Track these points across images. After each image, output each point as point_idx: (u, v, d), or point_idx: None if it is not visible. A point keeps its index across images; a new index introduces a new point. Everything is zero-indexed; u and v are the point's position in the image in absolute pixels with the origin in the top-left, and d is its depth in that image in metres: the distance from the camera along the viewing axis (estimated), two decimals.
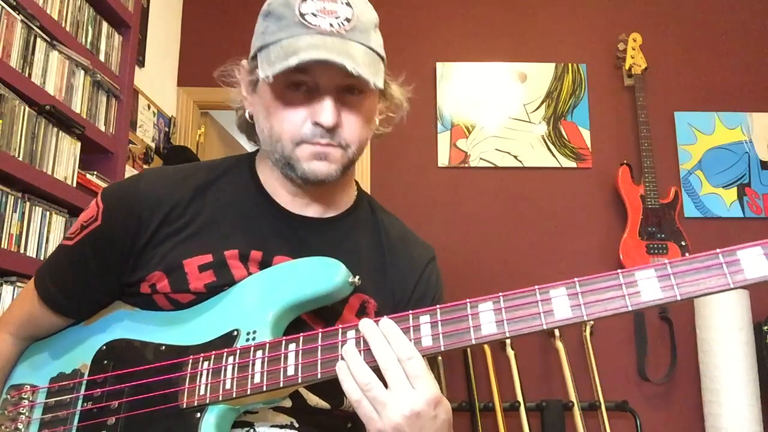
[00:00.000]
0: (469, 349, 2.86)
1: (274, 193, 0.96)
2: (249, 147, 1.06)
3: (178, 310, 0.89)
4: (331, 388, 0.79)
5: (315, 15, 0.85)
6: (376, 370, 0.73)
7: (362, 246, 0.98)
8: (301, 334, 0.79)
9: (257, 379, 0.78)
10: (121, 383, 0.85)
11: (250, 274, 0.89)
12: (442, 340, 0.74)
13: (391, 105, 1.01)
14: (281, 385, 0.77)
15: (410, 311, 0.76)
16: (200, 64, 3.15)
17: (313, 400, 0.89)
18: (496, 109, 3.26)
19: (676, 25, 3.36)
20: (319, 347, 0.77)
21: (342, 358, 0.75)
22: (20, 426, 0.91)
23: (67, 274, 0.94)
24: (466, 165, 3.20)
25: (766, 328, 2.85)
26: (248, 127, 0.99)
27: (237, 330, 0.84)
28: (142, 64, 2.82)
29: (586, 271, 0.73)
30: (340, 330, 0.78)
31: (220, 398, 0.79)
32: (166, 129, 3.05)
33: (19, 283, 1.65)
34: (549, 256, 3.06)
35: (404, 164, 3.20)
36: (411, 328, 0.75)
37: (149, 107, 2.88)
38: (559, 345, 2.82)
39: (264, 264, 0.90)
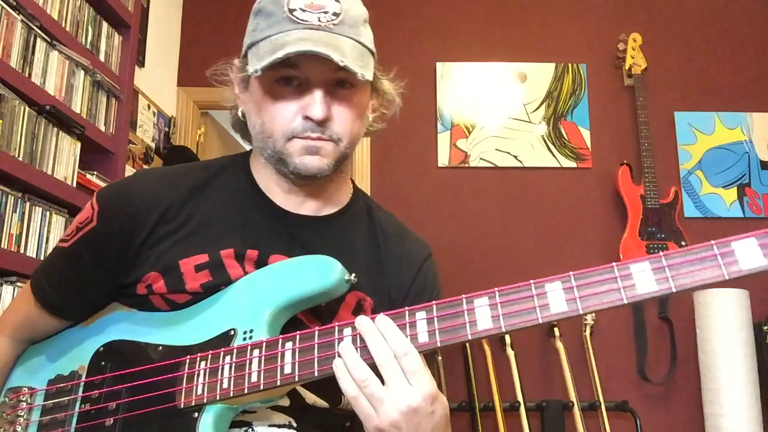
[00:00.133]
0: (469, 349, 2.86)
1: (268, 192, 0.96)
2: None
3: (175, 311, 0.89)
4: (329, 386, 0.79)
5: (303, 10, 0.86)
6: (373, 367, 0.74)
7: (358, 244, 0.98)
8: (298, 332, 0.79)
9: (254, 378, 0.78)
10: (118, 384, 0.85)
11: (246, 273, 0.89)
12: (438, 336, 0.74)
13: (384, 100, 1.01)
14: (278, 383, 0.77)
15: (406, 308, 0.76)
16: (200, 64, 3.14)
17: (311, 398, 0.89)
18: (496, 109, 3.26)
19: (676, 25, 3.36)
20: (316, 345, 0.78)
21: (339, 356, 0.75)
22: (18, 428, 0.91)
23: (64, 276, 0.94)
24: (466, 165, 3.20)
25: (766, 328, 2.84)
26: (242, 126, 0.99)
27: (234, 329, 0.84)
28: (142, 64, 2.82)
29: None
30: (336, 328, 0.78)
31: (218, 398, 0.79)
32: (166, 129, 3.05)
33: (19, 283, 1.65)
34: (549, 256, 3.06)
35: (404, 164, 3.20)
36: (407, 324, 0.75)
37: (149, 107, 2.88)
38: (559, 345, 2.82)
39: (260, 263, 0.90)
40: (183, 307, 0.89)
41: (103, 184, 2.02)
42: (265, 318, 0.83)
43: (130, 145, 2.55)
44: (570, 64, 3.30)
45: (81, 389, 0.88)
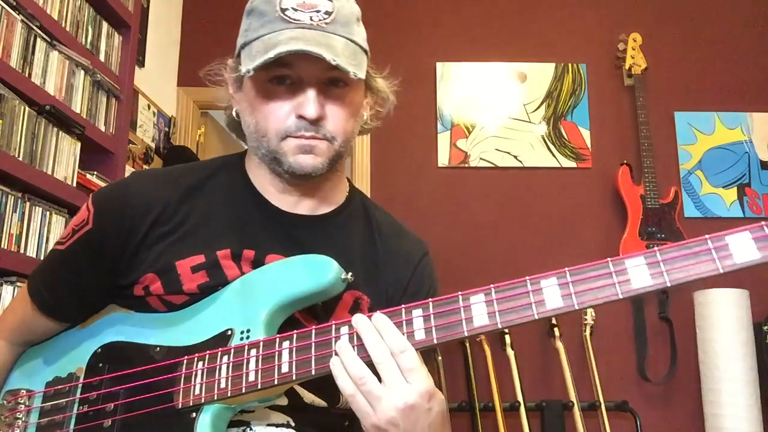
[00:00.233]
0: (469, 349, 2.86)
1: (264, 192, 0.96)
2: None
3: (172, 312, 0.89)
4: (327, 385, 0.79)
5: (295, 10, 0.87)
6: (370, 365, 0.74)
7: (355, 242, 0.98)
8: (295, 331, 0.79)
9: (252, 378, 0.78)
10: (116, 385, 0.86)
11: (242, 273, 0.89)
12: (435, 333, 0.74)
13: (378, 99, 1.01)
14: (276, 382, 0.78)
15: (403, 305, 0.76)
16: (200, 64, 3.14)
17: (309, 397, 0.89)
18: (496, 109, 3.26)
19: (676, 25, 3.36)
20: (313, 344, 0.78)
21: (336, 354, 0.76)
22: (17, 431, 0.91)
23: (60, 279, 0.94)
24: (466, 165, 3.20)
25: (766, 328, 2.85)
26: (237, 126, 0.99)
27: (231, 329, 0.84)
28: (142, 64, 2.82)
29: None
30: (333, 326, 0.78)
31: (216, 397, 0.79)
32: (166, 129, 3.05)
33: (19, 283, 1.65)
34: (549, 256, 3.06)
35: (404, 164, 3.20)
36: (404, 322, 0.75)
37: (149, 107, 2.88)
38: (559, 345, 2.82)
39: (257, 263, 0.90)
40: (180, 308, 0.89)
41: (103, 184, 2.03)
42: (262, 318, 0.83)
43: (130, 145, 2.55)
44: (570, 64, 3.31)
45: (79, 391, 0.89)
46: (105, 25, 2.19)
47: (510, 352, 2.80)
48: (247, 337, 0.82)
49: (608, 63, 3.31)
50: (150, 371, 0.84)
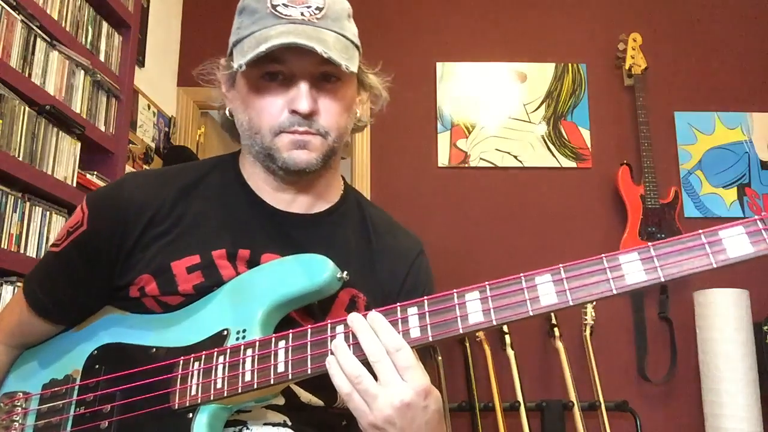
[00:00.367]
0: (469, 349, 2.86)
1: (258, 191, 0.96)
2: None
3: (168, 313, 0.89)
4: (324, 385, 0.79)
5: (286, 6, 0.87)
6: (366, 364, 0.74)
7: (350, 240, 0.98)
8: (291, 330, 0.79)
9: (248, 378, 0.78)
10: (113, 387, 0.85)
11: (238, 273, 0.89)
12: (430, 331, 0.74)
13: (371, 95, 1.01)
14: (272, 382, 0.78)
15: (398, 304, 0.76)
16: (200, 64, 3.15)
17: (306, 396, 0.89)
18: (496, 109, 3.26)
19: (676, 25, 3.36)
20: (309, 343, 0.78)
21: (331, 353, 0.76)
22: None
23: (56, 281, 0.94)
24: (466, 165, 3.20)
25: (766, 328, 2.84)
26: (231, 126, 0.99)
27: (227, 329, 0.84)
28: (142, 64, 2.82)
29: None
30: (329, 325, 0.78)
31: (212, 398, 0.79)
32: (166, 129, 3.05)
33: (18, 283, 1.65)
34: (549, 256, 3.04)
35: (404, 164, 3.20)
36: (399, 320, 0.75)
37: (149, 107, 2.88)
38: (559, 345, 2.82)
39: (252, 262, 0.90)
40: (176, 309, 0.89)
41: (103, 184, 2.03)
42: (258, 317, 0.83)
43: (130, 145, 2.55)
44: (570, 64, 3.31)
45: (76, 393, 0.88)
46: (105, 25, 2.20)
47: (510, 352, 2.80)
48: (243, 337, 0.82)
49: (608, 63, 3.31)
50: (146, 372, 0.84)
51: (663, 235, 2.99)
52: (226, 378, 0.79)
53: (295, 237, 0.94)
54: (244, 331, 0.82)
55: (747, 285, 2.82)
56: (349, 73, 0.89)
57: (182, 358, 0.83)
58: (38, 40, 1.82)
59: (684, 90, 3.29)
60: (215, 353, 0.82)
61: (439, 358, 2.77)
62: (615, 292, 0.69)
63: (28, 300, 0.95)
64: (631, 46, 3.22)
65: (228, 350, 0.81)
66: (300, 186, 0.96)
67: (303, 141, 0.88)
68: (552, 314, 2.87)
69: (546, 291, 0.71)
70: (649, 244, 0.69)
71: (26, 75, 1.76)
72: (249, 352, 0.80)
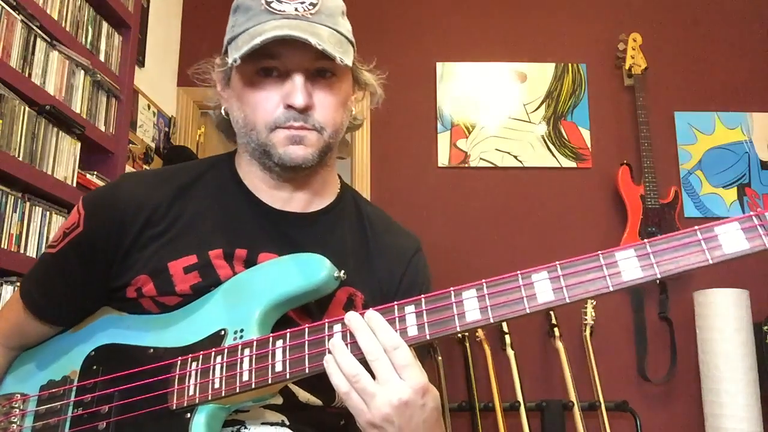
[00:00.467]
0: (469, 349, 2.86)
1: (254, 190, 0.96)
2: None
3: (166, 313, 0.89)
4: (322, 384, 0.79)
5: (280, 2, 0.87)
6: (364, 363, 0.74)
7: (347, 239, 0.98)
8: (288, 330, 0.79)
9: (246, 377, 0.78)
10: (110, 387, 0.85)
11: (235, 273, 0.89)
12: (428, 329, 0.74)
13: (367, 93, 1.01)
14: (270, 381, 0.78)
15: (395, 302, 0.76)
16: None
17: (304, 396, 0.89)
18: (496, 109, 3.26)
19: (676, 25, 3.36)
20: (306, 342, 0.78)
21: (329, 352, 0.76)
22: None
23: (52, 283, 0.94)
24: (466, 165, 3.20)
25: (766, 328, 2.84)
26: (226, 126, 0.99)
27: (224, 329, 0.84)
28: (142, 64, 2.82)
29: None
30: (326, 324, 0.78)
31: (210, 398, 0.79)
32: (166, 129, 3.05)
33: (18, 283, 1.64)
34: (549, 256, 3.01)
35: (404, 164, 3.20)
36: (396, 318, 0.75)
37: (149, 107, 2.88)
38: (559, 345, 2.82)
39: (249, 262, 0.90)
40: (173, 309, 0.89)
41: (103, 184, 2.03)
42: (256, 317, 0.83)
43: (130, 145, 2.55)
44: (570, 64, 3.30)
45: (73, 394, 0.88)
46: (105, 25, 2.20)
47: (510, 352, 2.79)
48: (241, 337, 0.82)
49: (608, 63, 3.31)
50: (144, 373, 0.84)
51: None
52: (223, 378, 0.79)
53: (292, 236, 0.93)
54: (241, 330, 0.82)
55: (747, 285, 2.82)
56: (344, 68, 0.89)
57: (180, 358, 0.83)
58: (38, 40, 1.82)
59: (684, 90, 3.29)
60: (213, 353, 0.81)
61: (439, 358, 2.77)
62: (611, 288, 0.69)
63: (24, 302, 0.95)
64: (631, 46, 3.22)
65: (226, 350, 0.81)
66: (296, 183, 0.95)
67: (299, 136, 0.88)
68: (552, 314, 2.88)
69: (543, 288, 0.71)
70: (645, 240, 0.69)
71: (26, 75, 1.76)
72: (247, 351, 0.80)
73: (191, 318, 0.87)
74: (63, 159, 1.88)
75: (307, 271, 0.84)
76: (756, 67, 3.31)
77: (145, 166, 2.77)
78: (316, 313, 0.89)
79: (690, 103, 3.27)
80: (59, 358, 0.93)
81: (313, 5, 0.88)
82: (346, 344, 0.75)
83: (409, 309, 0.75)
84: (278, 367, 0.77)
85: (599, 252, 0.70)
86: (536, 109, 3.26)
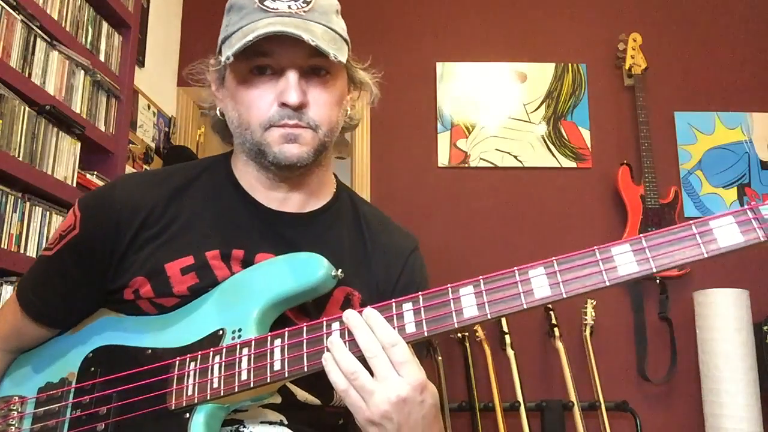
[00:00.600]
0: (469, 349, 2.86)
1: (251, 190, 0.96)
2: None
3: (163, 314, 0.89)
4: (320, 383, 0.79)
5: (273, 0, 0.87)
6: (362, 360, 0.74)
7: (344, 239, 0.98)
8: (286, 329, 0.80)
9: (244, 377, 0.78)
10: (109, 389, 0.85)
11: (232, 273, 0.89)
12: (426, 326, 0.74)
13: (362, 92, 1.01)
14: (268, 380, 0.78)
15: (393, 300, 0.77)
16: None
17: (302, 395, 0.89)
18: (496, 109, 3.26)
19: (676, 25, 3.36)
20: (305, 341, 0.78)
21: (327, 350, 0.76)
22: None
23: (49, 285, 0.94)
24: (466, 165, 3.20)
25: (766, 328, 2.84)
26: (222, 127, 0.99)
27: (222, 329, 0.84)
28: (142, 64, 2.82)
29: None
30: (324, 323, 0.78)
31: (208, 397, 0.79)
32: (166, 129, 3.05)
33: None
34: (549, 256, 3.04)
35: (404, 164, 3.20)
36: (394, 316, 0.75)
37: (149, 107, 2.88)
38: (559, 345, 2.82)
39: (246, 262, 0.90)
40: (171, 310, 0.88)
41: (101, 185, 2.03)
42: (253, 316, 0.83)
43: (130, 145, 2.55)
44: (570, 64, 3.31)
45: (71, 395, 0.88)
46: (105, 25, 2.20)
47: (510, 352, 2.79)
48: (239, 337, 0.82)
49: (608, 63, 3.31)
50: (142, 373, 0.84)
51: None
52: (222, 377, 0.79)
53: (289, 236, 0.93)
54: (239, 330, 0.82)
55: (747, 285, 2.82)
56: (338, 66, 0.89)
57: (178, 358, 0.83)
58: (38, 40, 1.82)
59: (684, 90, 3.29)
60: (211, 353, 0.82)
61: (439, 358, 2.77)
62: (608, 283, 0.69)
63: (21, 304, 0.95)
64: (631, 46, 3.22)
65: (224, 350, 0.81)
66: (292, 183, 0.95)
67: (293, 134, 0.88)
68: (552, 314, 2.88)
69: (539, 284, 0.72)
70: (641, 235, 0.69)
71: (26, 75, 1.76)
72: (245, 351, 0.80)
73: (189, 318, 0.87)
74: (63, 159, 1.89)
75: (304, 270, 0.84)
76: (756, 67, 3.31)
77: (145, 166, 2.77)
78: (313, 313, 0.89)
79: (690, 103, 3.27)
80: (57, 360, 0.93)
81: (307, 3, 0.88)
82: (345, 342, 0.75)
83: (407, 306, 0.76)
84: (277, 366, 0.78)
85: (595, 247, 0.71)
86: (536, 109, 3.26)
